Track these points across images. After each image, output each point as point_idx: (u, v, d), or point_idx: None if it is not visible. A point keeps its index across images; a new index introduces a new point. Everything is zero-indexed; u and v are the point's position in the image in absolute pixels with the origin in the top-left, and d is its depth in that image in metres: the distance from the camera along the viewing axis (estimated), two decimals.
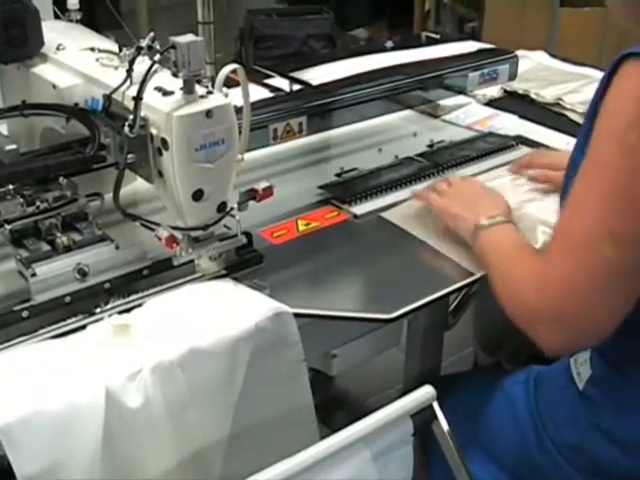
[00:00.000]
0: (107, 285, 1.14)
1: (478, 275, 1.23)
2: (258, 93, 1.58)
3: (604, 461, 1.15)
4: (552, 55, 2.29)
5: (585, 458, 1.17)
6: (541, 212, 1.39)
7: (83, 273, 1.12)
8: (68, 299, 1.11)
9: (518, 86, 1.95)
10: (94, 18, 1.56)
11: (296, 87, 1.63)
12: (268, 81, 1.74)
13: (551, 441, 1.20)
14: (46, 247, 1.14)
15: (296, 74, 1.71)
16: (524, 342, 1.34)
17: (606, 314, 1.02)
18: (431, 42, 2.04)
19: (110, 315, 1.09)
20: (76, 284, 1.12)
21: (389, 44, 1.95)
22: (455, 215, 1.28)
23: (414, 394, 1.04)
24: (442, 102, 1.78)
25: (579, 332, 1.05)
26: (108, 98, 1.14)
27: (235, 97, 1.12)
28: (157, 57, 1.06)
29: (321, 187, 1.45)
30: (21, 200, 1.11)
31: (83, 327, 1.07)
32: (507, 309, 1.10)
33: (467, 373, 1.63)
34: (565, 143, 1.68)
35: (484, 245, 1.20)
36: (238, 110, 1.12)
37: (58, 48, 1.31)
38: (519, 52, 1.82)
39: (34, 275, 1.09)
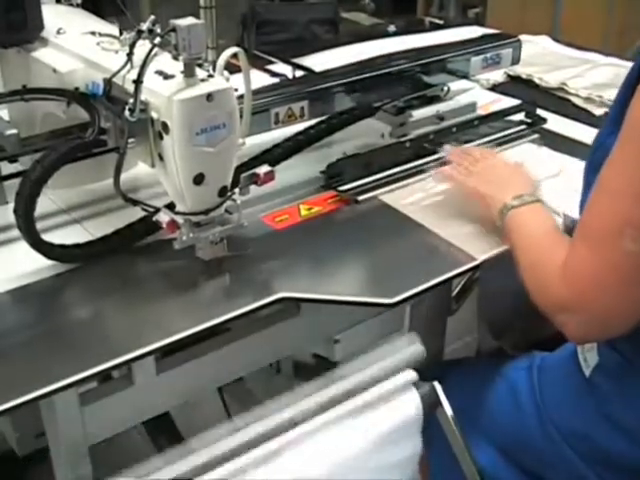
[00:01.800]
0: None
1: (480, 260, 1.22)
2: (260, 79, 1.58)
3: (610, 450, 1.14)
4: (556, 40, 2.29)
5: (591, 446, 1.16)
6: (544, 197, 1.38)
7: None
8: None
9: (522, 71, 1.94)
10: (97, 3, 1.54)
11: (299, 73, 1.62)
12: (270, 67, 1.74)
13: (556, 429, 1.19)
14: None
15: (299, 60, 1.70)
16: (529, 328, 1.34)
17: (631, 306, 1.00)
18: (434, 27, 2.03)
19: None
20: None
21: (392, 29, 1.94)
22: (484, 195, 1.27)
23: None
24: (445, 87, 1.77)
25: (603, 323, 1.03)
26: (108, 82, 1.14)
27: (237, 83, 1.11)
28: (157, 40, 1.06)
29: (323, 172, 1.45)
30: None
31: None
32: (533, 296, 1.09)
33: (469, 359, 1.62)
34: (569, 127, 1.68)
35: (511, 226, 1.19)
36: (241, 96, 1.12)
37: (58, 32, 1.31)
38: (523, 37, 1.80)
39: None
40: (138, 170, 1.37)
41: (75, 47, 1.26)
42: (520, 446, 1.25)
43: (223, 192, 1.13)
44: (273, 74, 1.70)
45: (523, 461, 1.25)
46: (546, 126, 1.67)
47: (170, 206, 1.14)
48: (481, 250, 1.23)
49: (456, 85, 1.72)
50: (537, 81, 1.93)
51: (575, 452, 1.17)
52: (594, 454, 1.16)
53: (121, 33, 1.20)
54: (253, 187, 1.19)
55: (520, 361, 1.31)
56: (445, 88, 1.66)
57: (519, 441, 1.25)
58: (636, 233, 0.95)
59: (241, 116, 1.12)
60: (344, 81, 1.48)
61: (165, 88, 1.05)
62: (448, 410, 1.08)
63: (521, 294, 1.28)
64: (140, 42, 1.10)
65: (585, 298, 1.01)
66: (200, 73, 1.06)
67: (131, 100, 1.06)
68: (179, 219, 1.11)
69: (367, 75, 1.52)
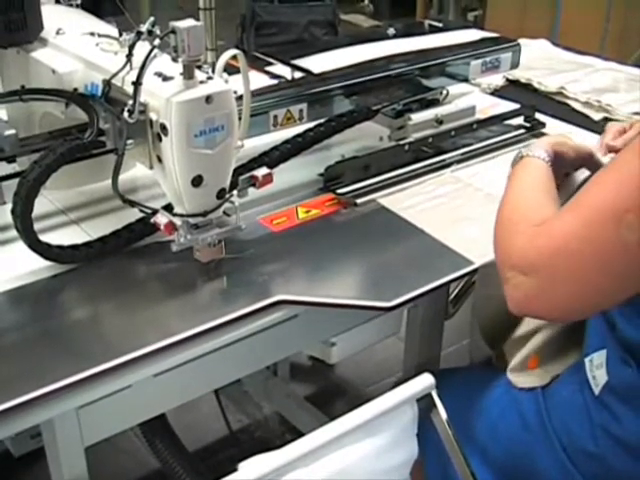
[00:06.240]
0: None
1: (478, 264, 1.22)
2: (259, 80, 1.58)
3: (621, 473, 1.10)
4: (555, 44, 2.29)
5: (599, 467, 1.12)
6: None
7: None
8: None
9: (521, 74, 1.94)
10: (96, 4, 1.55)
11: (297, 75, 1.62)
12: (269, 68, 1.73)
13: (563, 449, 1.15)
14: None
15: (298, 62, 1.70)
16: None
17: (587, 292, 0.97)
18: (434, 30, 2.03)
19: None
20: None
21: (391, 32, 1.94)
22: None
23: (414, 382, 1.04)
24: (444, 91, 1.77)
25: (553, 297, 0.98)
26: (107, 83, 1.14)
27: (236, 84, 1.11)
28: (157, 42, 1.06)
29: (322, 175, 1.45)
30: None
31: None
32: (496, 247, 1.08)
33: (467, 368, 1.60)
34: (567, 132, 1.68)
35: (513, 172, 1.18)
36: (240, 97, 1.12)
37: (58, 33, 1.30)
38: (522, 41, 1.81)
39: None
40: (136, 171, 1.37)
41: (74, 48, 1.26)
42: (521, 465, 1.22)
43: (221, 194, 1.13)
44: (272, 76, 1.69)
45: (515, 475, 1.22)
46: (545, 130, 1.67)
47: (168, 208, 1.14)
48: (479, 254, 1.23)
49: (455, 89, 1.72)
50: (536, 85, 1.93)
51: (580, 472, 1.14)
52: (602, 475, 1.12)
53: (120, 34, 1.20)
54: (251, 189, 1.19)
55: None
56: (444, 91, 1.66)
57: (516, 455, 1.22)
58: (636, 222, 0.91)
59: (240, 118, 1.12)
60: (343, 84, 1.48)
61: (164, 90, 1.05)
62: (443, 413, 1.08)
63: None
64: (139, 43, 1.10)
65: (551, 263, 0.96)
66: (199, 75, 1.06)
67: (130, 101, 1.06)
68: (177, 221, 1.11)
69: (366, 78, 1.52)
